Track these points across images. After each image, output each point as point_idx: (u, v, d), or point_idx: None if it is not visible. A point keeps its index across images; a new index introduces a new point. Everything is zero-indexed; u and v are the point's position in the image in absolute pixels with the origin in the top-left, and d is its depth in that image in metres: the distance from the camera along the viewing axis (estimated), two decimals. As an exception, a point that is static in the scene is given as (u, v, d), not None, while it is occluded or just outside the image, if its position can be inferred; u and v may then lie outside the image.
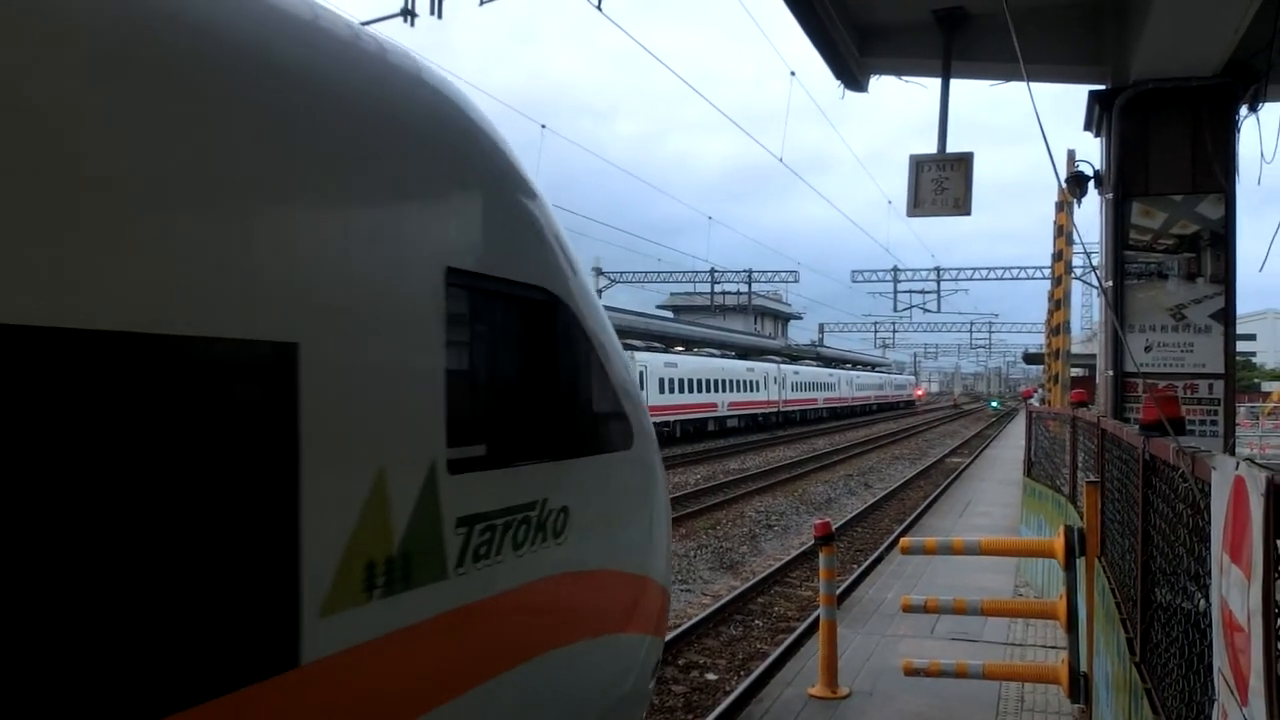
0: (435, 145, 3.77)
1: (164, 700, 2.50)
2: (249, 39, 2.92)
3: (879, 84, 10.67)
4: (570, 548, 4.50)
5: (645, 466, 5.53)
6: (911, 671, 7.40)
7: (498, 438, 4.09)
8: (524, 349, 4.37)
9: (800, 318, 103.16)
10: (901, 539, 9.20)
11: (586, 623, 4.77)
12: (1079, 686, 6.69)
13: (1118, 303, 8.89)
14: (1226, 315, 8.72)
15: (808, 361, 74.27)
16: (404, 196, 3.53)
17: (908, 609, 7.56)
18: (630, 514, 5.37)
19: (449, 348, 3.65)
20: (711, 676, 10.25)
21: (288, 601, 2.89)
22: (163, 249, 2.55)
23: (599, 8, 9.98)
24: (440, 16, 11.10)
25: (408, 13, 10.95)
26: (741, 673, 10.17)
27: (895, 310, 68.55)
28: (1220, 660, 2.62)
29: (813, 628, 10.17)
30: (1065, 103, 10.33)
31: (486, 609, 3.87)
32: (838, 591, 9.66)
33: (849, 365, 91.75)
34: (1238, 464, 2.42)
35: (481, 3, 12.06)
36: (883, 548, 17.00)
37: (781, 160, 13.93)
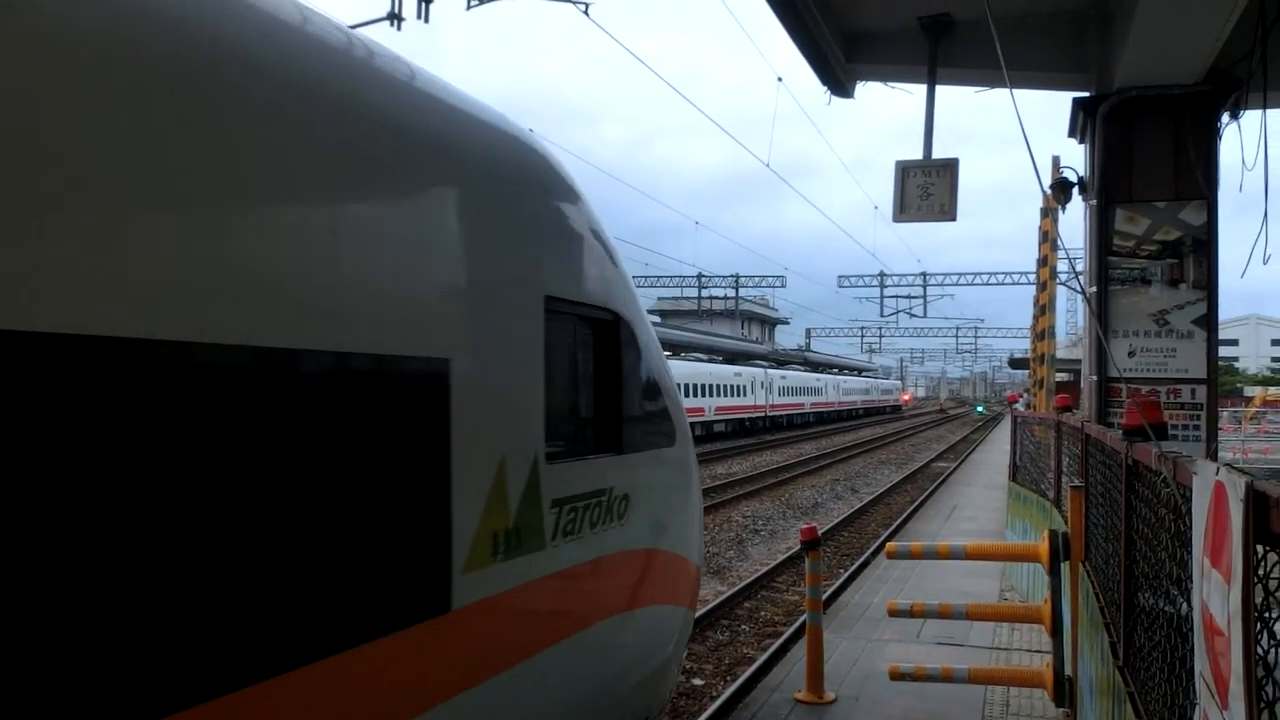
0: (538, 198, 4.75)
1: (379, 627, 3.42)
2: (423, 128, 3.92)
3: (865, 90, 10.72)
4: (630, 529, 5.41)
5: (685, 462, 6.47)
6: (897, 676, 7.42)
7: (578, 434, 5.05)
8: (595, 360, 5.27)
9: (787, 322, 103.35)
10: (887, 544, 9.23)
11: (641, 594, 5.66)
12: (1063, 690, 6.72)
13: (1102, 308, 8.94)
14: (1209, 321, 8.77)
15: (795, 366, 74.39)
16: (518, 240, 4.46)
17: (894, 613, 7.60)
18: (673, 503, 6.23)
19: (545, 359, 4.53)
20: (698, 682, 10.25)
21: (444, 561, 3.76)
22: (383, 294, 3.49)
23: (586, 12, 10.01)
24: (427, 21, 11.10)
25: (394, 16, 10.95)
26: (728, 678, 10.17)
27: (882, 315, 68.79)
28: (1201, 664, 2.63)
29: (799, 632, 10.19)
30: (1051, 109, 10.39)
31: (571, 576, 4.77)
32: (824, 596, 9.68)
33: (836, 370, 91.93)
34: (1218, 469, 2.44)
35: (469, 7, 12.07)
36: (869, 552, 17.04)
37: (768, 165, 13.98)
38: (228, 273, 2.85)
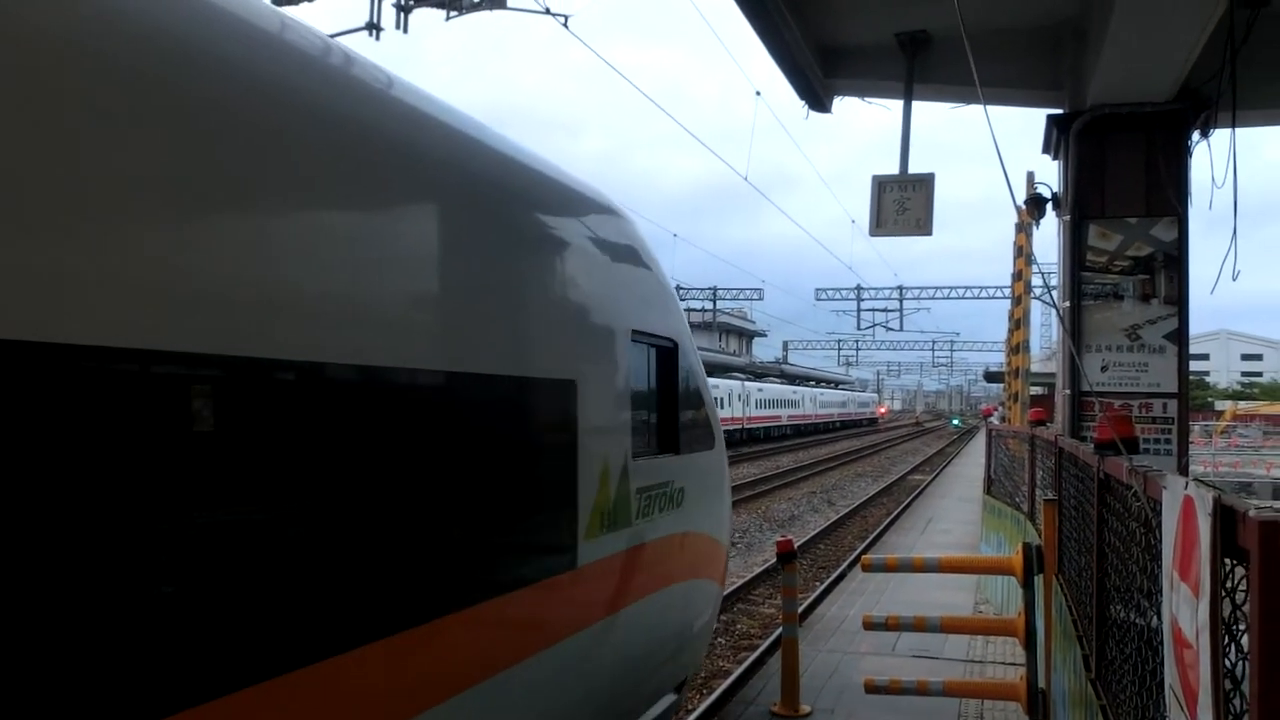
0: (625, 253, 6.11)
1: (546, 573, 4.78)
2: (559, 209, 5.35)
3: (843, 104, 10.78)
4: (684, 515, 6.60)
5: (721, 462, 7.74)
6: (873, 689, 7.44)
7: (651, 437, 6.25)
8: (660, 378, 6.46)
9: (765, 335, 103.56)
10: (863, 556, 9.26)
11: (691, 568, 6.90)
12: (1037, 703, 6.76)
13: (1075, 323, 9.01)
14: (1180, 336, 8.86)
15: (772, 379, 74.56)
16: (614, 287, 5.82)
17: (869, 626, 7.61)
18: (712, 495, 7.44)
19: (630, 377, 5.79)
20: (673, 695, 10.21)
21: (574, 531, 5.01)
22: (540, 335, 4.81)
23: (565, 25, 10.02)
24: (406, 31, 11.10)
25: (373, 26, 10.94)
26: (704, 691, 10.15)
27: (858, 328, 69.12)
28: (1171, 676, 2.66)
29: (775, 645, 10.19)
30: (1027, 126, 10.50)
31: (646, 549, 5.97)
32: (800, 609, 9.69)
33: (813, 383, 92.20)
34: (1187, 484, 2.47)
35: (448, 18, 12.06)
36: (845, 565, 17.07)
37: (746, 179, 14.03)
38: (464, 326, 4.22)
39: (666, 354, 6.54)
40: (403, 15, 10.91)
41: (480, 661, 4.23)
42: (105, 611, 2.54)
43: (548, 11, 9.78)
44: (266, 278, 3.09)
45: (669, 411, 6.55)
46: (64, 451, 2.44)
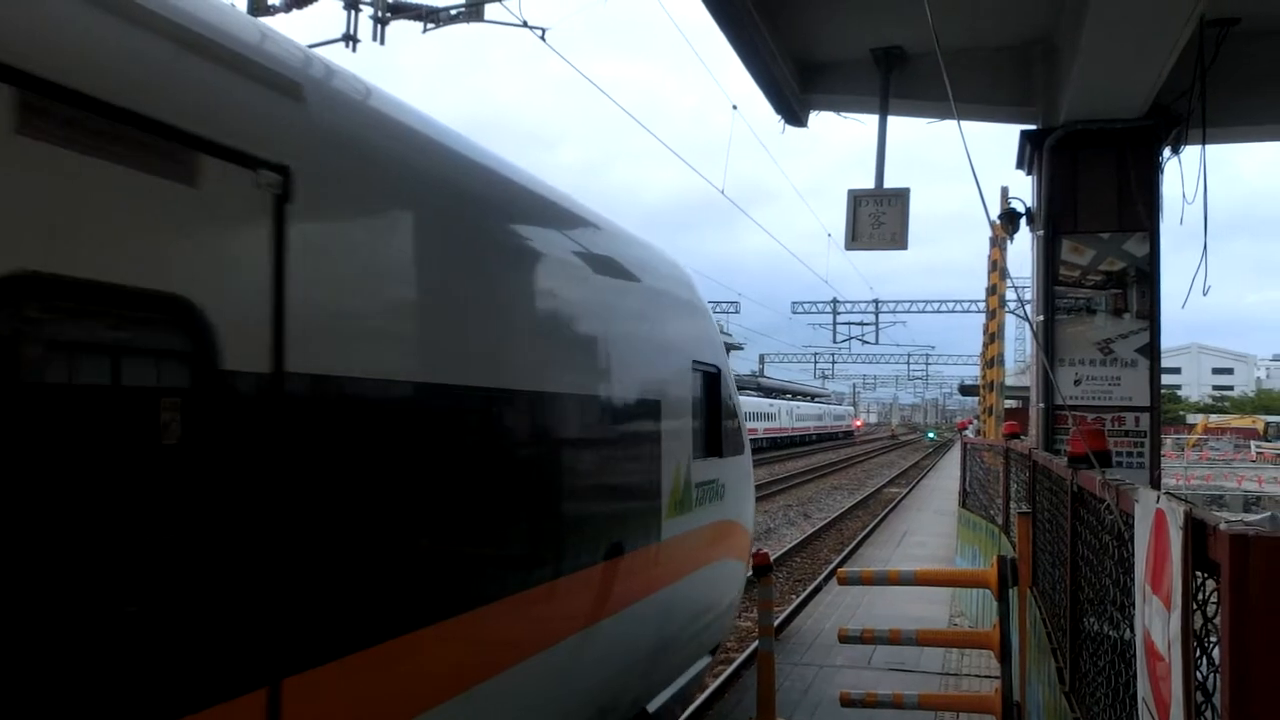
0: (686, 301, 7.87)
1: (647, 540, 6.33)
2: (655, 274, 7.24)
3: (819, 119, 10.84)
4: (724, 507, 8.27)
5: (748, 464, 9.54)
6: (848, 702, 7.44)
7: (702, 442, 7.76)
8: (708, 398, 8.07)
9: (741, 348, 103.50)
10: (839, 570, 9.26)
11: (728, 550, 8.48)
12: (1012, 715, 6.77)
13: (1048, 337, 9.08)
14: (1152, 350, 8.94)
15: (749, 392, 74.65)
16: (681, 329, 7.57)
17: (844, 639, 7.62)
18: (743, 491, 9.14)
19: (691, 397, 7.47)
20: (651, 707, 10.17)
21: (659, 511, 6.61)
22: (647, 368, 6.57)
23: (543, 38, 10.03)
24: (383, 43, 11.08)
25: (349, 38, 10.91)
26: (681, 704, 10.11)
27: (835, 341, 69.36)
28: (1143, 689, 2.67)
29: (751, 659, 10.18)
30: (1002, 141, 10.59)
31: (701, 531, 7.61)
32: (776, 622, 9.68)
33: (789, 396, 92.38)
34: (1158, 497, 2.49)
35: (425, 30, 12.04)
36: (821, 578, 17.08)
37: (723, 192, 14.07)
38: (606, 365, 5.98)
39: (713, 378, 8.22)
40: (379, 27, 10.89)
41: (608, 603, 5.87)
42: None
43: (525, 24, 9.80)
44: (533, 342, 5.12)
45: (714, 423, 8.15)
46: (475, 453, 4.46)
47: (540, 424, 5.10)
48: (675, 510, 6.89)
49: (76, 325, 2.64)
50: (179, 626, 2.82)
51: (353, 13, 10.87)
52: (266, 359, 3.17)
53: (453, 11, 11.23)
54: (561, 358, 5.35)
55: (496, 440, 4.70)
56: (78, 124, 2.60)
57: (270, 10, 10.92)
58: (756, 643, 8.57)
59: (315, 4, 10.88)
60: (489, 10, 11.17)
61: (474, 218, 4.68)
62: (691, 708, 9.34)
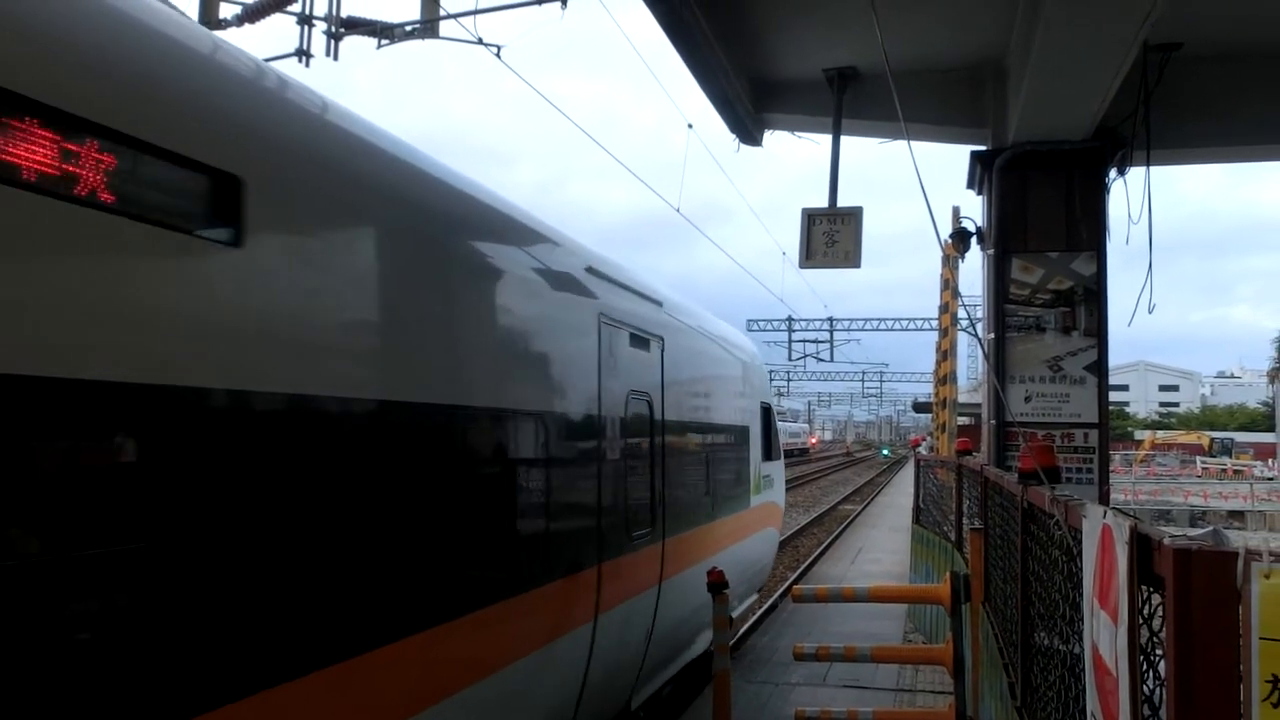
0: (753, 360, 12.46)
1: (740, 507, 11.04)
2: (737, 347, 11.72)
3: (774, 137, 10.93)
4: (773, 492, 13.10)
5: (782, 464, 14.56)
6: None
7: (763, 450, 12.25)
8: (765, 424, 12.57)
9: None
10: (794, 587, 9.27)
11: (773, 521, 13.20)
12: (965, 731, 6.80)
13: (999, 355, 9.19)
14: (1100, 367, 9.08)
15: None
16: (756, 383, 12.47)
17: (800, 657, 7.61)
18: (779, 483, 14.10)
19: (758, 423, 12.08)
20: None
21: (748, 491, 11.36)
22: (738, 408, 11.19)
23: (498, 55, 10.01)
24: (336, 58, 11.00)
25: (303, 53, 10.82)
26: (636, 723, 10.06)
27: (790, 359, 69.59)
28: (1093, 703, 2.69)
29: (706, 677, 10.14)
30: (955, 161, 10.72)
31: (764, 506, 12.26)
32: (731, 641, 9.67)
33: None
34: (1105, 512, 2.51)
35: (379, 46, 11.97)
36: (776, 596, 17.09)
37: (679, 210, 14.12)
38: (716, 404, 10.24)
39: (768, 411, 13.03)
40: (333, 43, 10.81)
41: (722, 544, 9.86)
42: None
43: (480, 42, 9.76)
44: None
45: (769, 439, 12.91)
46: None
47: (708, 442, 9.80)
48: (754, 491, 11.64)
49: None
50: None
51: (306, 28, 10.78)
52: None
53: (407, 28, 11.18)
54: (719, 406, 10.32)
55: (687, 445, 8.95)
56: None
57: (223, 25, 10.81)
58: (712, 661, 8.53)
59: (268, 19, 10.78)
60: (444, 27, 11.14)
61: (665, 343, 8.33)
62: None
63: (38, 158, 2.59)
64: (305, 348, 3.62)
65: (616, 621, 6.56)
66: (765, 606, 15.86)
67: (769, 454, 12.64)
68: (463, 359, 4.78)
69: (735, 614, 10.54)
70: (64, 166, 2.66)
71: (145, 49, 3.09)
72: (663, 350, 8.03)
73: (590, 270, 6.54)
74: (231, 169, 3.24)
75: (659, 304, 8.21)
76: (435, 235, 4.65)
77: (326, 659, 3.61)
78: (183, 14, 3.53)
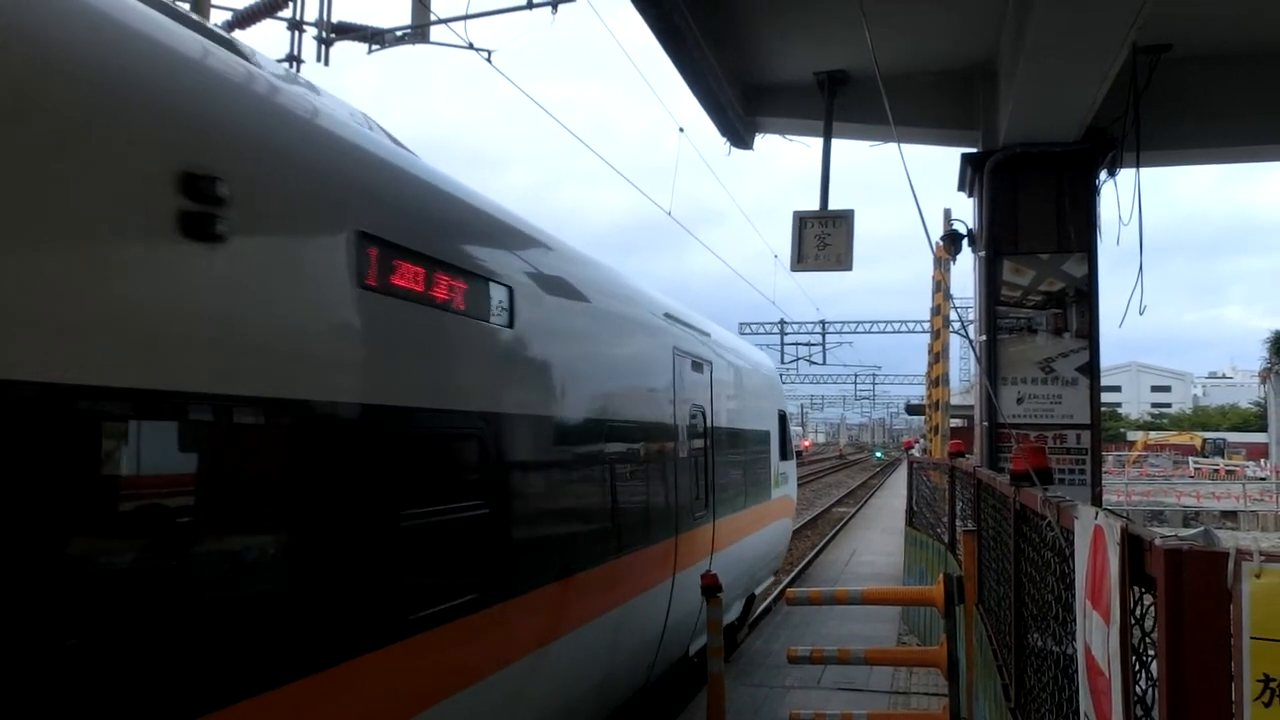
0: (773, 377, 15.35)
1: (764, 497, 13.13)
2: (766, 368, 14.82)
3: (765, 140, 10.94)
4: (787, 487, 15.35)
5: (794, 464, 16.73)
6: (798, 722, 7.42)
7: (780, 450, 14.48)
8: (782, 429, 14.90)
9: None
10: (787, 590, 9.28)
11: (787, 513, 15.54)
12: (959, 733, 6.80)
13: (991, 356, 9.21)
14: (1091, 368, 9.10)
15: (698, 413, 74.53)
16: (774, 395, 14.89)
17: (794, 660, 7.61)
18: (790, 477, 15.90)
19: (777, 428, 14.41)
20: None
21: (769, 484, 13.49)
22: (760, 414, 13.27)
23: (489, 59, 10.02)
24: (327, 64, 11.00)
25: (293, 59, 10.82)
26: (630, 727, 10.04)
27: (782, 362, 69.59)
28: (1085, 704, 2.69)
29: (701, 680, 10.13)
30: (946, 164, 10.75)
31: (781, 499, 14.41)
32: (725, 644, 9.65)
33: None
34: (1097, 513, 2.51)
35: (370, 51, 11.98)
36: (770, 599, 17.09)
37: (670, 214, 14.14)
38: (755, 416, 12.77)
39: (784, 417, 15.16)
40: (323, 48, 10.82)
41: (753, 528, 11.91)
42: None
43: (471, 46, 9.77)
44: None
45: (785, 441, 15.14)
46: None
47: (742, 443, 11.71)
48: (775, 485, 13.75)
49: None
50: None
51: (296, 33, 10.79)
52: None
53: (398, 33, 11.19)
54: (750, 414, 12.32)
55: (728, 446, 10.80)
56: None
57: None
58: (706, 664, 8.53)
59: (258, 25, 10.77)
60: (434, 32, 11.15)
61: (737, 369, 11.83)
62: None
63: (434, 286, 4.56)
64: (561, 389, 6.09)
65: (685, 582, 8.60)
66: (759, 609, 15.86)
67: (785, 454, 14.94)
68: (626, 391, 7.47)
69: (757, 591, 13.80)
70: (433, 288, 4.53)
71: (477, 220, 5.40)
72: (711, 371, 10.20)
73: (667, 315, 8.92)
74: (510, 284, 5.37)
75: (707, 335, 10.50)
76: (603, 308, 7.23)
77: (582, 564, 6.21)
78: (495, 204, 5.81)
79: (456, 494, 4.76)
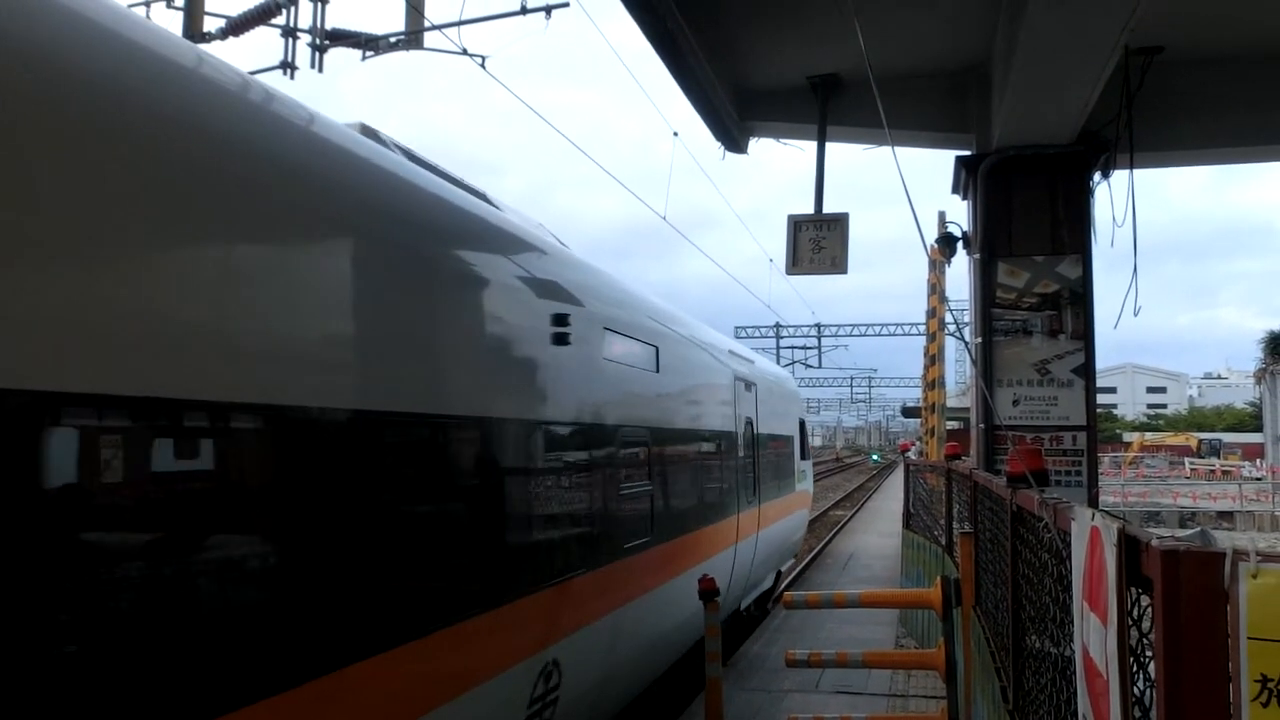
0: (793, 389, 18.74)
1: (789, 488, 16.18)
2: (784, 379, 18.56)
3: (761, 144, 10.95)
4: (804, 483, 18.17)
5: (810, 463, 19.75)
6: (796, 726, 7.42)
7: (800, 450, 17.59)
8: (801, 434, 17.98)
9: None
10: (785, 594, 9.28)
11: (804, 505, 18.74)
12: (958, 735, 6.79)
13: (986, 358, 9.21)
14: (1087, 370, 9.10)
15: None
16: (796, 406, 18.16)
17: (792, 663, 7.60)
18: (808, 475, 19.09)
19: (798, 433, 17.53)
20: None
21: (793, 479, 16.47)
22: (785, 421, 16.16)
23: (483, 65, 10.01)
24: (321, 70, 10.99)
25: (288, 65, 10.81)
26: (629, 733, 10.03)
27: (778, 365, 69.62)
28: (1084, 706, 2.69)
29: (699, 685, 10.12)
30: (940, 166, 10.76)
31: (800, 493, 17.46)
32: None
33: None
34: (1093, 515, 2.52)
35: (364, 57, 11.97)
36: (768, 603, 17.08)
37: (665, 218, 14.13)
38: (776, 419, 15.02)
39: (802, 423, 17.68)
40: (318, 54, 10.80)
41: (782, 515, 14.84)
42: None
43: (465, 52, 9.76)
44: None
45: (804, 443, 17.92)
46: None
47: (776, 446, 14.37)
48: (797, 480, 16.15)
49: None
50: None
51: (290, 40, 10.78)
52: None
53: (392, 39, 11.18)
54: (780, 422, 14.83)
55: (768, 447, 13.64)
56: None
57: (206, 38, 10.79)
58: (704, 668, 8.52)
59: (252, 31, 10.76)
60: (429, 38, 11.14)
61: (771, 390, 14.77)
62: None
63: (629, 352, 7.66)
64: (681, 411, 9.17)
65: (742, 551, 11.53)
66: (756, 613, 15.84)
67: (804, 454, 18.04)
68: (712, 410, 10.57)
69: (782, 569, 16.84)
70: (628, 353, 7.57)
71: (641, 305, 8.49)
72: (755, 391, 13.10)
73: (730, 352, 12.05)
74: (657, 345, 8.35)
75: (752, 362, 13.85)
76: (700, 353, 10.34)
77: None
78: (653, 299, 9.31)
79: (638, 476, 7.64)
